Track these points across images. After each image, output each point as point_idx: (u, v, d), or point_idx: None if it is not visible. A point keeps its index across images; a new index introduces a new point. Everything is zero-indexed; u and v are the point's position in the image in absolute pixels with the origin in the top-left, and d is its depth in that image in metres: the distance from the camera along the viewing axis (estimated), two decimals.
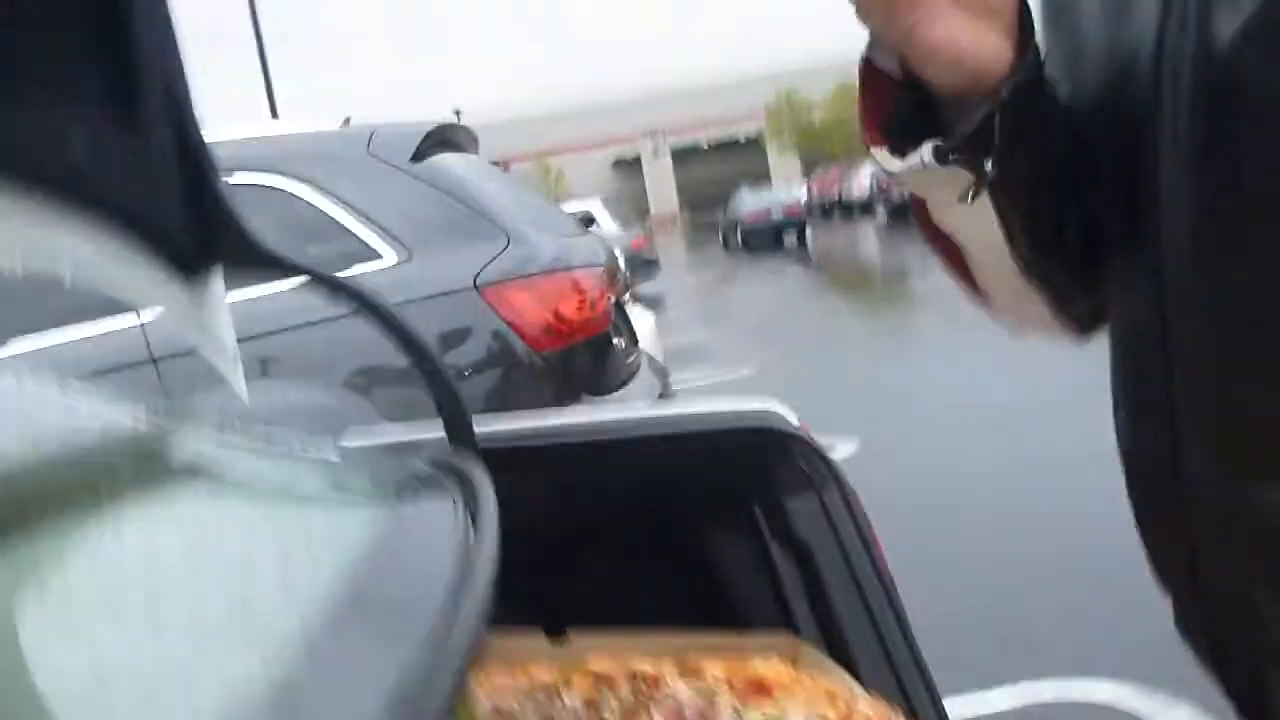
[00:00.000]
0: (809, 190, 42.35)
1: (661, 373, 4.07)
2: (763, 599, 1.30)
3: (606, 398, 3.36)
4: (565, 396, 3.24)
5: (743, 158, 70.21)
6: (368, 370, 3.18)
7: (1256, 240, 0.61)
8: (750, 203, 28.77)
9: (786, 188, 32.81)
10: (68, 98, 0.95)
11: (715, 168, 71.29)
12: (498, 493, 1.32)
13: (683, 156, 70.06)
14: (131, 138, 1.04)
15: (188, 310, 1.13)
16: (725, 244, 30.33)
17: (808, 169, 56.29)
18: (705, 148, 71.26)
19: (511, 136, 64.20)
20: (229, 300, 1.06)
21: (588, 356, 3.33)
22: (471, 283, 3.19)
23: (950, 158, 0.65)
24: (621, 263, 7.39)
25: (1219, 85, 0.61)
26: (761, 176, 67.30)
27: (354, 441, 1.47)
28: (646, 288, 18.97)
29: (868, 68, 0.69)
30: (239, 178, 3.28)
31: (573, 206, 22.21)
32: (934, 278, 13.10)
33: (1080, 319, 0.81)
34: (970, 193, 0.67)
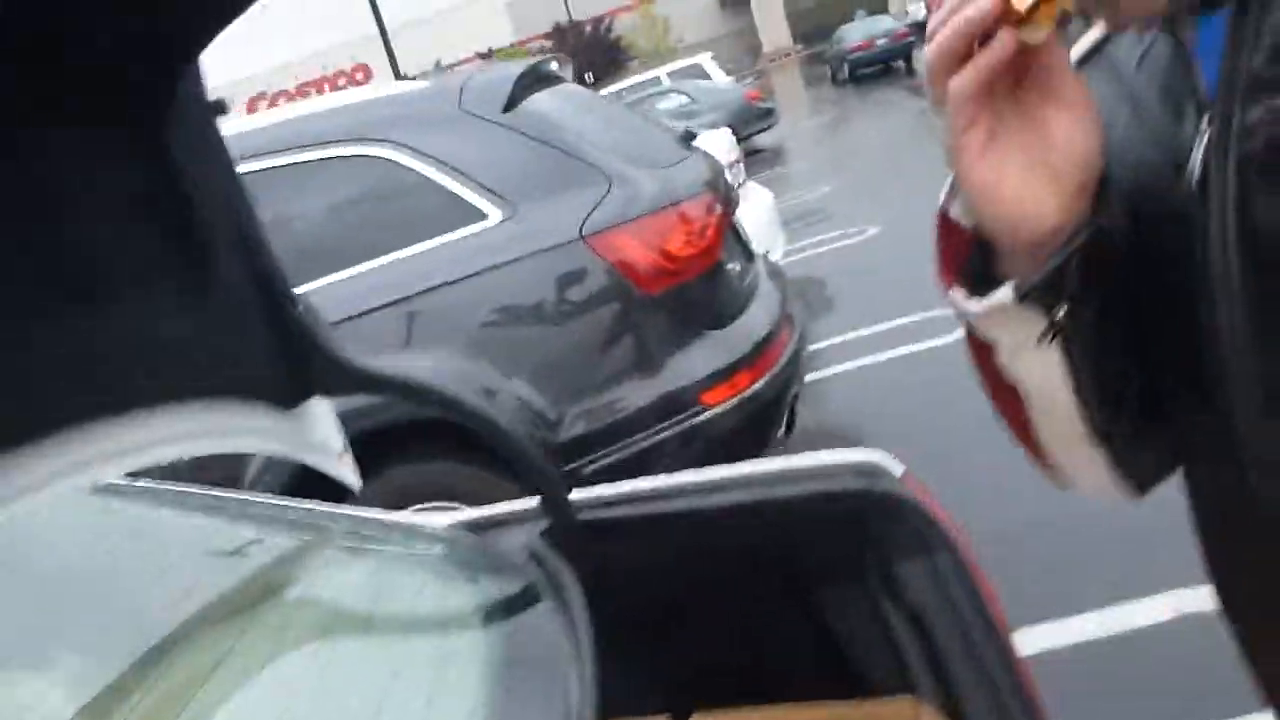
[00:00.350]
0: (928, 8, 40.08)
1: (782, 282, 4.00)
2: (881, 661, 1.29)
3: (727, 328, 3.33)
4: (684, 336, 3.23)
5: None
6: (492, 331, 3.22)
7: None
8: (855, 33, 28.14)
9: (902, 12, 31.81)
10: (146, 285, 0.97)
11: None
12: (608, 564, 1.34)
13: None
14: (211, 301, 1.06)
15: (296, 438, 1.16)
16: (833, 78, 29.31)
17: None
18: None
19: None
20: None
21: (702, 290, 3.29)
22: (578, 233, 3.17)
23: (1027, 298, 0.67)
24: (730, 144, 7.24)
25: (1266, 278, 0.61)
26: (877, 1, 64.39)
27: (463, 517, 1.49)
28: (764, 138, 18.59)
29: (944, 220, 0.73)
30: (329, 151, 3.30)
31: (682, 63, 21.77)
32: None
33: (1137, 480, 0.82)
34: (1047, 335, 0.69)
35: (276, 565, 1.28)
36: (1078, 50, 0.82)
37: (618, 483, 1.44)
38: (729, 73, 21.48)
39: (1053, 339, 0.70)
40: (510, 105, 3.34)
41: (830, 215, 10.15)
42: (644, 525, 1.36)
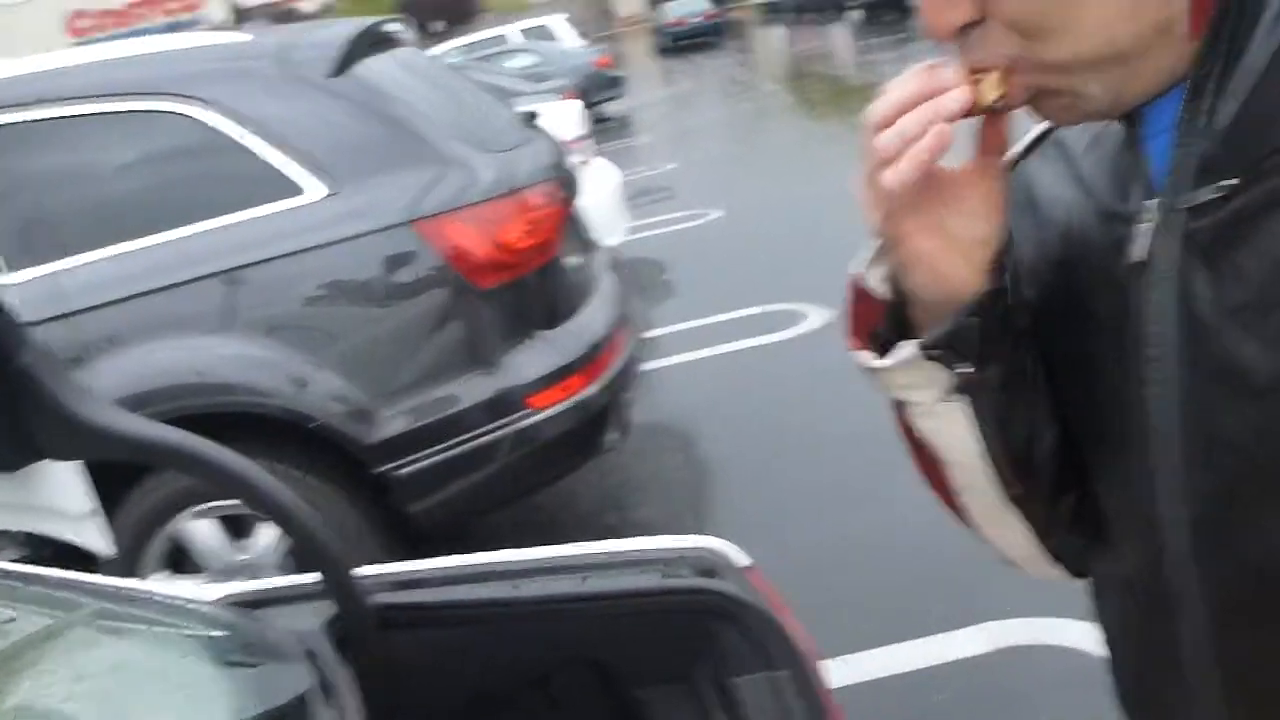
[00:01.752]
0: None
1: (622, 276, 3.84)
2: None
3: (561, 327, 3.15)
4: (515, 333, 3.04)
5: None
6: (306, 317, 2.96)
7: (1251, 512, 0.64)
8: (673, 11, 34.28)
9: None
10: None
11: None
12: (403, 656, 1.16)
13: None
14: None
15: (17, 505, 0.98)
16: (662, 50, 33.80)
17: None
18: None
19: None
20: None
21: (538, 286, 3.10)
22: (406, 216, 2.93)
23: (930, 354, 0.71)
24: (579, 118, 7.05)
25: (1209, 361, 0.64)
26: None
27: (241, 589, 1.29)
28: (612, 108, 18.42)
29: (858, 289, 0.76)
30: (127, 104, 2.96)
31: (533, 21, 21.36)
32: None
33: (1070, 560, 0.84)
34: (951, 391, 0.73)
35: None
36: (1031, 133, 0.85)
37: (420, 561, 1.26)
38: (581, 35, 21.14)
39: (959, 394, 0.73)
40: (340, 69, 3.07)
41: (675, 194, 10.06)
42: (446, 612, 1.19)
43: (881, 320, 0.76)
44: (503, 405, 3.00)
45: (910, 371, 0.73)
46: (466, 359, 3.00)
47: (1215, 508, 0.66)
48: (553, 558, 1.24)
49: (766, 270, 6.80)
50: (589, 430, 3.18)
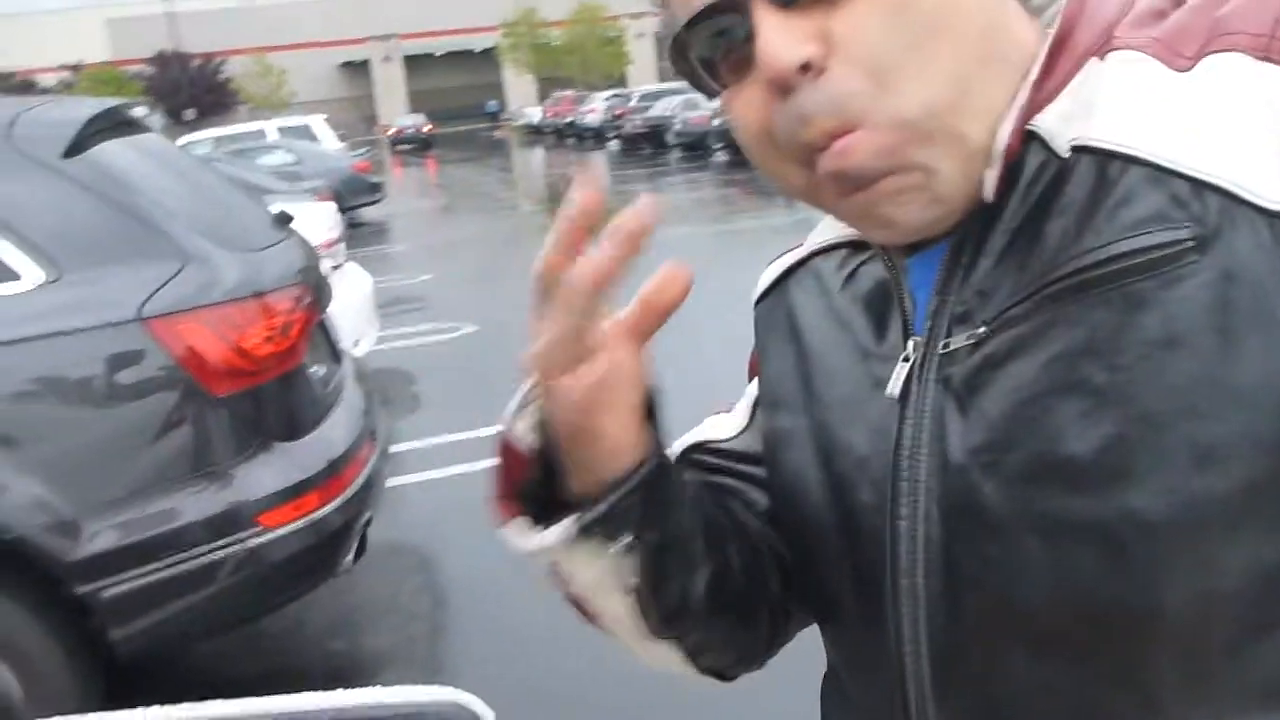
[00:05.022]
0: (542, 114, 42.89)
1: (368, 388, 3.69)
2: None
3: (299, 441, 2.97)
4: (250, 445, 2.83)
5: (477, 70, 68.72)
6: (11, 414, 2.66)
7: (992, 650, 0.65)
8: (398, 121, 47.52)
9: (519, 112, 43.31)
10: None
11: (449, 78, 69.46)
12: None
13: (415, 64, 67.77)
14: None
15: None
16: (393, 150, 43.39)
17: (545, 88, 55.67)
18: (438, 56, 69.23)
19: (229, 28, 59.92)
20: None
21: (278, 395, 2.92)
22: (136, 312, 2.70)
23: (591, 530, 0.68)
24: (335, 219, 6.87)
25: (954, 498, 0.66)
26: (495, 91, 66.13)
27: None
28: (369, 213, 18.15)
29: (504, 442, 0.71)
30: None
31: (293, 120, 20.92)
32: (692, 218, 13.13)
33: (719, 670, 0.83)
34: (609, 563, 0.70)
35: None
36: (787, 259, 0.85)
37: (110, 715, 1.09)
38: (341, 138, 20.86)
39: (617, 554, 0.70)
40: (73, 151, 2.84)
41: (428, 305, 9.92)
42: None
43: (529, 473, 0.71)
44: (229, 522, 2.77)
45: (569, 547, 0.69)
46: (191, 470, 2.77)
47: (957, 645, 0.67)
48: (269, 712, 1.10)
49: (517, 388, 6.74)
50: (323, 551, 2.98)
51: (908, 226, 0.66)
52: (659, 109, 28.42)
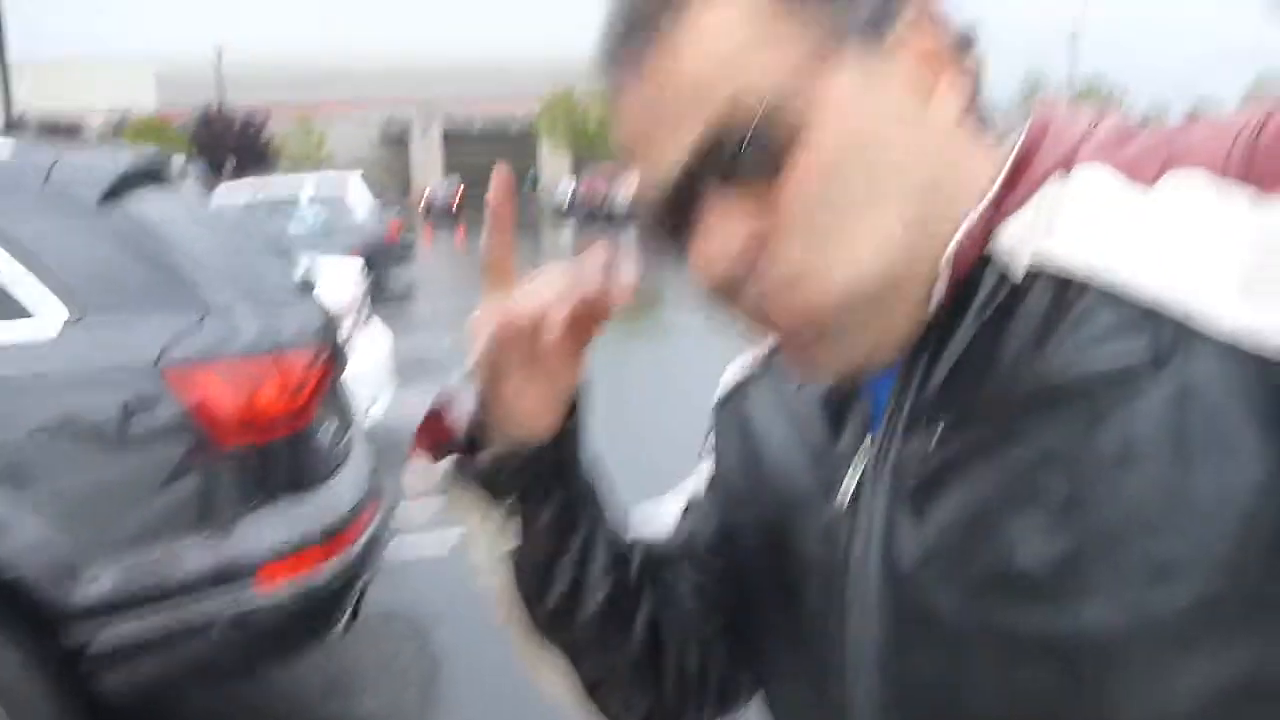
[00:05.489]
0: (574, 193, 43.53)
1: (377, 450, 3.70)
2: None
3: (305, 498, 2.97)
4: (254, 500, 2.83)
5: (514, 146, 69.81)
6: (17, 452, 2.67)
7: None
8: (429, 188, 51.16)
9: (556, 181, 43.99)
10: None
11: (485, 153, 70.53)
12: None
13: (452, 137, 68.87)
14: None
15: None
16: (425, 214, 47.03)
17: (578, 167, 56.39)
18: (476, 132, 70.33)
19: (273, 84, 61.15)
20: None
21: (286, 453, 2.93)
22: (153, 358, 2.73)
23: (475, 481, 0.78)
24: (361, 276, 6.93)
25: (905, 607, 0.66)
26: (530, 167, 67.03)
27: None
28: (399, 274, 18.28)
29: (434, 418, 0.81)
30: None
31: (329, 181, 21.24)
32: (681, 305, 13.18)
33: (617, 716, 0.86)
34: (491, 516, 0.78)
35: None
36: (747, 359, 0.88)
37: None
38: (376, 197, 21.11)
39: (502, 516, 0.78)
40: (108, 198, 2.89)
41: (448, 370, 9.93)
42: None
43: (449, 439, 0.80)
44: (228, 575, 2.76)
45: (459, 490, 0.79)
46: (195, 520, 2.77)
47: None
48: None
49: None
50: (322, 611, 2.96)
51: (854, 371, 0.69)
52: None
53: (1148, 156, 0.63)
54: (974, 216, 0.65)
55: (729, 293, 0.67)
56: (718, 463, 0.88)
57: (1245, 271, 0.57)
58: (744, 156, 0.64)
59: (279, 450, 2.89)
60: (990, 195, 0.66)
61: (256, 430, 2.81)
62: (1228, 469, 0.56)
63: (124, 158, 3.11)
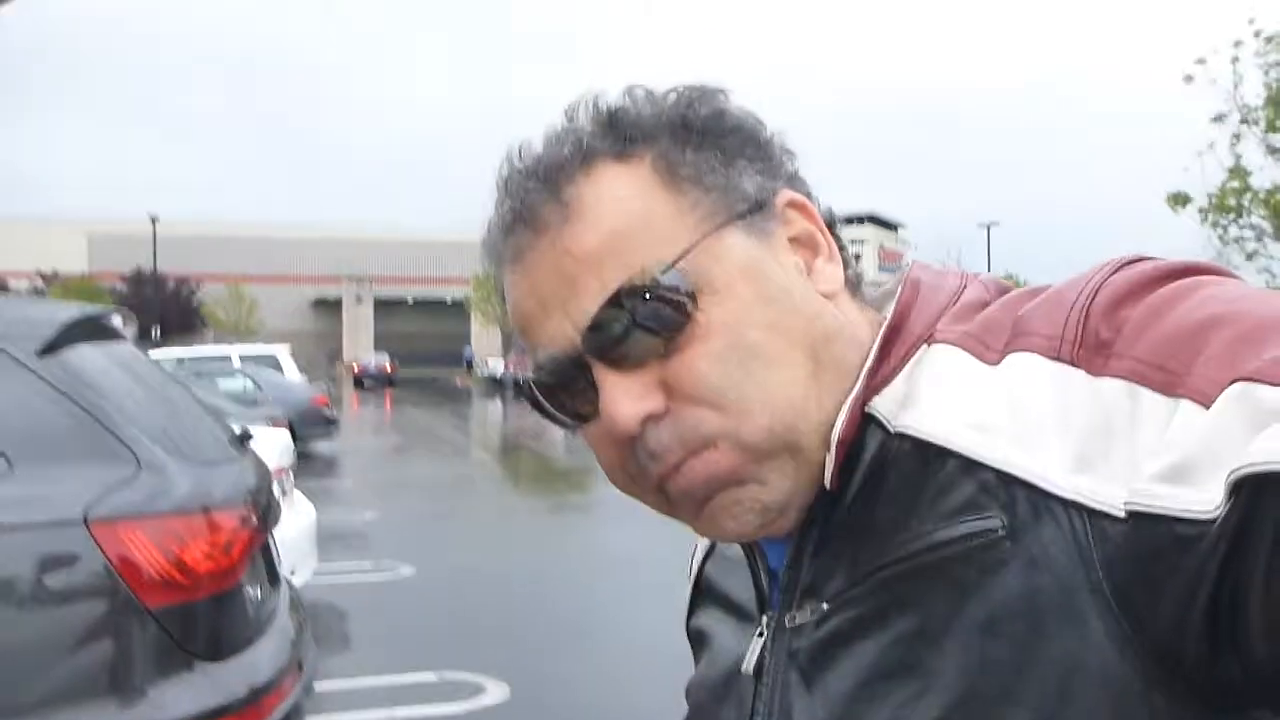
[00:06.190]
0: (505, 365, 43.80)
1: (300, 618, 3.60)
2: None
3: (224, 663, 2.87)
4: (172, 664, 2.73)
5: (447, 319, 70.25)
6: None
7: None
8: (362, 360, 51.96)
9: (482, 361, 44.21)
10: None
11: (418, 323, 70.86)
12: None
13: (386, 307, 69.30)
14: None
15: None
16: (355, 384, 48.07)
17: (507, 342, 56.87)
18: (410, 303, 70.88)
19: (206, 252, 61.31)
20: None
21: (210, 614, 2.85)
22: (80, 513, 2.67)
23: None
24: (287, 447, 6.87)
25: None
26: (462, 341, 67.42)
27: None
28: (322, 446, 18.09)
29: None
30: None
31: (258, 348, 21.16)
32: (598, 483, 13.13)
33: None
34: None
35: None
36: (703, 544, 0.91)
37: None
38: (302, 370, 21.02)
39: None
40: (48, 350, 2.88)
41: (369, 544, 9.76)
42: None
43: None
44: None
45: None
46: (107, 684, 2.65)
47: None
48: None
49: (450, 636, 6.60)
50: None
51: (745, 533, 0.72)
52: None
53: (995, 329, 0.68)
54: (856, 390, 0.69)
55: (633, 453, 0.69)
56: (692, 642, 0.91)
57: (1077, 446, 0.60)
58: (639, 330, 0.67)
59: (202, 612, 2.80)
60: (867, 367, 0.70)
61: (181, 590, 2.74)
62: (1075, 634, 0.59)
63: (65, 311, 3.11)
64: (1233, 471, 0.52)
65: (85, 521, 2.67)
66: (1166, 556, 0.55)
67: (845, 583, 0.68)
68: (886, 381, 0.69)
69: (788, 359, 0.68)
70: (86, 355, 3.05)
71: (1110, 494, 0.58)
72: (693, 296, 0.67)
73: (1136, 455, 0.57)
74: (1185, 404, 0.56)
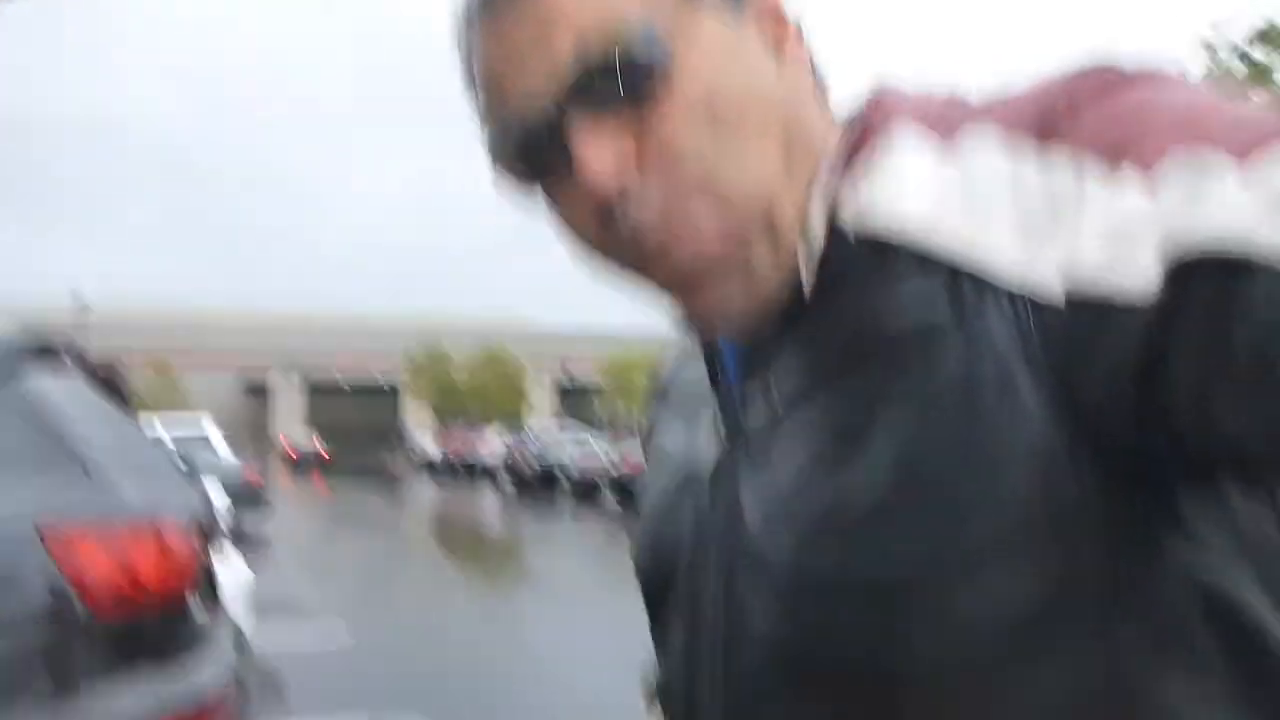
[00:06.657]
0: (440, 447, 43.36)
1: (242, 643, 3.64)
2: None
3: (170, 670, 2.92)
4: (119, 667, 2.78)
5: (380, 402, 69.59)
6: None
7: (780, 708, 0.68)
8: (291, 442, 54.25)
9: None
10: None
11: (350, 407, 70.08)
12: None
13: (318, 391, 68.52)
14: None
15: None
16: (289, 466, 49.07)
17: (441, 422, 56.57)
18: (341, 386, 70.16)
19: (135, 334, 60.29)
20: None
21: (157, 622, 2.90)
22: (31, 521, 2.73)
23: None
24: (225, 503, 6.85)
25: (748, 564, 0.70)
26: (394, 423, 66.84)
27: None
28: (254, 525, 17.70)
29: None
30: None
31: (182, 421, 20.76)
32: (545, 557, 13.01)
33: None
34: None
35: None
36: (654, 402, 0.95)
37: None
38: (230, 445, 20.64)
39: None
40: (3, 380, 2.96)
41: (308, 614, 9.65)
42: None
43: None
44: None
45: None
46: (49, 690, 2.69)
47: (746, 702, 0.70)
48: None
49: (376, 712, 6.54)
50: None
51: (729, 322, 0.71)
52: (553, 453, 29.13)
53: (953, 112, 0.68)
54: (824, 189, 0.69)
55: (613, 220, 0.67)
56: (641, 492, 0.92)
57: (1021, 219, 0.60)
58: (615, 83, 0.65)
59: (150, 619, 2.86)
60: (830, 159, 0.70)
61: (130, 599, 2.79)
62: (1011, 413, 0.60)
63: (17, 336, 3.18)
64: (1167, 253, 0.54)
65: (35, 527, 2.73)
66: (1102, 337, 0.56)
67: (797, 380, 0.69)
68: (844, 185, 0.69)
69: (766, 131, 0.68)
70: (37, 377, 3.12)
71: (1051, 279, 0.59)
72: (667, 60, 0.65)
73: (1080, 239, 0.58)
74: (1129, 180, 0.57)
